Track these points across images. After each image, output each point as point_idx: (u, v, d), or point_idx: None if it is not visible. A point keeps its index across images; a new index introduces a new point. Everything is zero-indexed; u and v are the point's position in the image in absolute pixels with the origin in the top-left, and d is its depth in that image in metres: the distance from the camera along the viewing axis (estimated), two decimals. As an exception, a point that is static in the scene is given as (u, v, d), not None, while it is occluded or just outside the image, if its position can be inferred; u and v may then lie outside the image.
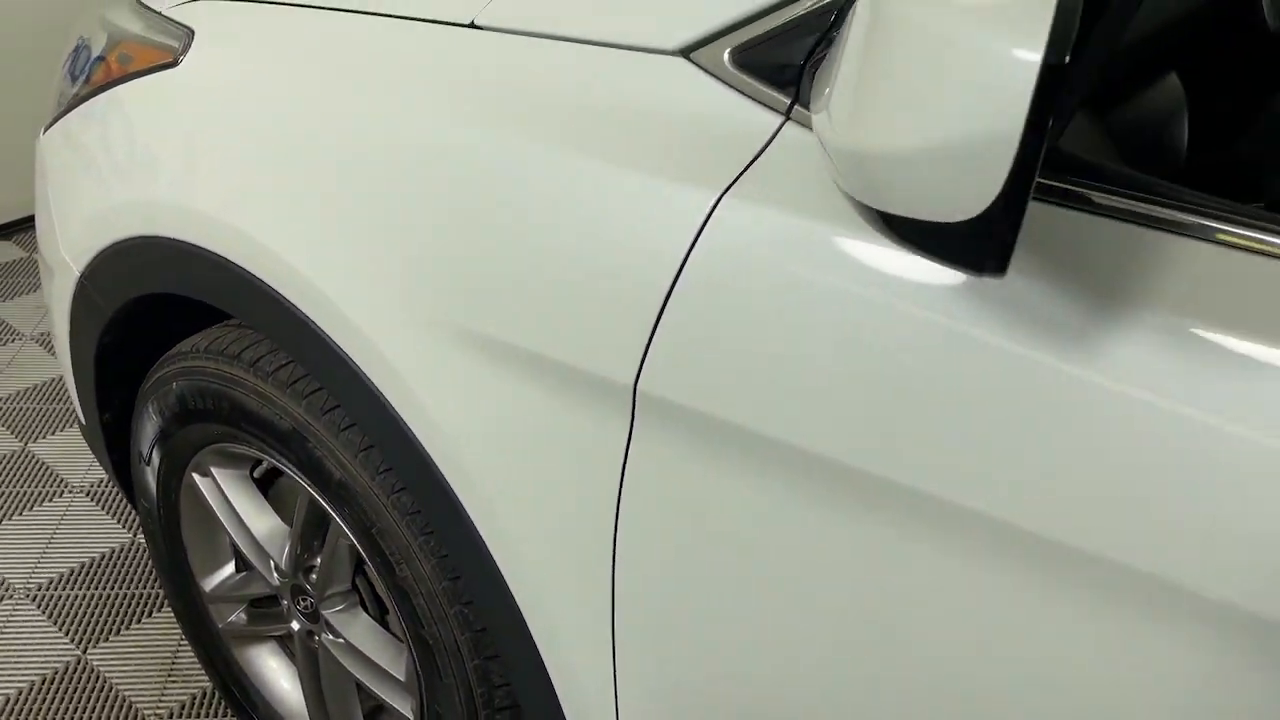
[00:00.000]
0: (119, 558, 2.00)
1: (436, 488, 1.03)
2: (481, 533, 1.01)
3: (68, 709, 1.70)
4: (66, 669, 1.77)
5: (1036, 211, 0.70)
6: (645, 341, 0.83)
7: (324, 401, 1.16)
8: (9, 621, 1.86)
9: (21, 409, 2.42)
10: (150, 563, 1.97)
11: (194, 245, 1.17)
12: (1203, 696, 0.66)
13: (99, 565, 1.98)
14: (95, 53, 1.36)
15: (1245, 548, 0.62)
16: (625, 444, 0.88)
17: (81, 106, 1.36)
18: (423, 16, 1.01)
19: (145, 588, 1.93)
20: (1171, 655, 0.67)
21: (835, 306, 0.75)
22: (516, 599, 1.02)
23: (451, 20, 0.99)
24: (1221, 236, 0.66)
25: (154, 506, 1.48)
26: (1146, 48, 0.94)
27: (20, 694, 1.72)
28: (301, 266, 1.05)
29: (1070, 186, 0.70)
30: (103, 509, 2.12)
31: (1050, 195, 0.70)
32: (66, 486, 2.18)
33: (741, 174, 0.80)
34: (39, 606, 1.89)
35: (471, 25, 0.98)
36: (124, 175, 1.26)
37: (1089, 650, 0.70)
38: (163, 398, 1.34)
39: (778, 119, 0.81)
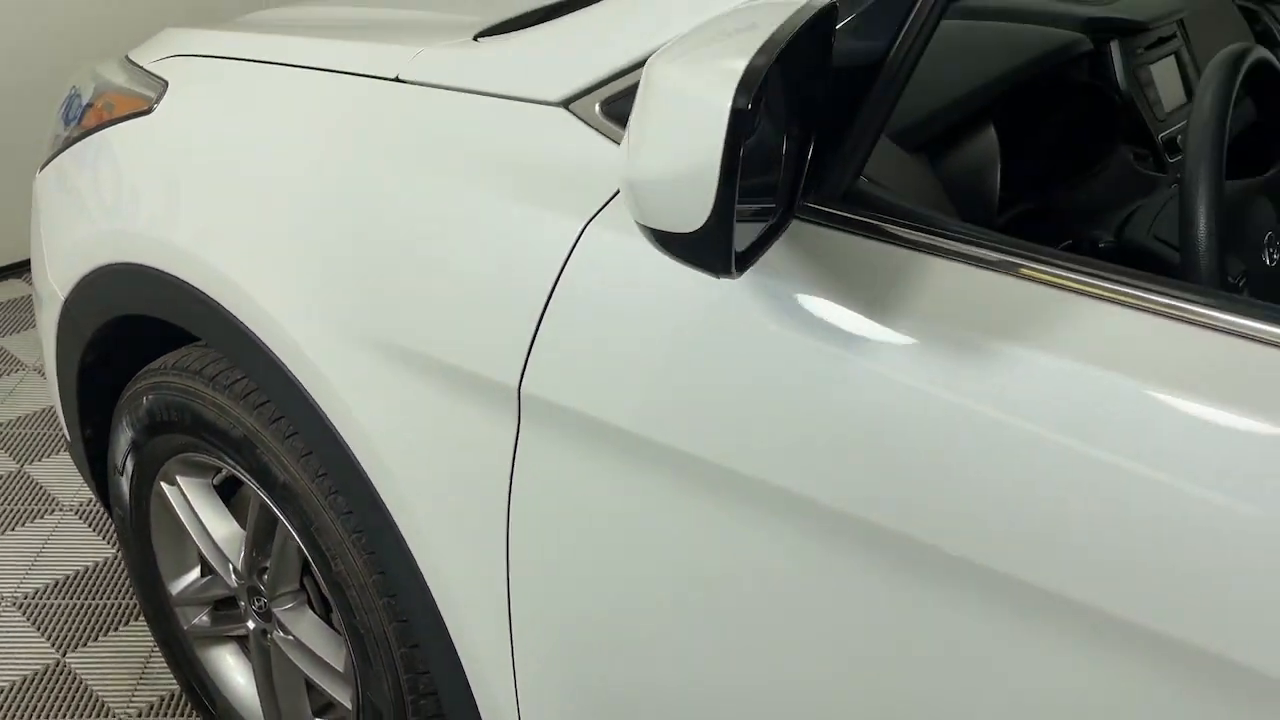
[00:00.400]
0: (101, 571, 2.13)
1: (364, 488, 1.14)
2: (401, 529, 1.13)
3: (46, 707, 1.82)
4: (46, 670, 1.89)
5: (836, 238, 0.84)
6: (527, 347, 0.96)
7: (272, 412, 1.28)
8: (-4, 626, 1.99)
9: (21, 434, 2.57)
10: (128, 576, 2.09)
11: (161, 271, 1.30)
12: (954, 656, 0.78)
13: (82, 577, 2.11)
14: (85, 100, 1.52)
15: (995, 505, 0.74)
16: (514, 442, 1.00)
17: (73, 148, 1.50)
18: (356, 71, 1.16)
19: (123, 599, 2.05)
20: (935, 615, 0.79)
21: (679, 313, 0.88)
22: (431, 591, 1.13)
23: (380, 75, 1.14)
24: (1024, 271, 0.78)
25: (127, 514, 1.60)
26: (970, 103, 1.09)
27: (1, 692, 1.85)
28: (252, 291, 1.18)
29: (868, 219, 0.83)
30: (89, 526, 2.25)
31: (851, 226, 0.84)
32: (57, 505, 2.32)
33: (604, 205, 0.93)
34: (24, 613, 2.01)
35: (396, 79, 1.13)
36: (106, 209, 1.40)
37: (887, 617, 0.82)
38: (134, 411, 1.47)
39: None
